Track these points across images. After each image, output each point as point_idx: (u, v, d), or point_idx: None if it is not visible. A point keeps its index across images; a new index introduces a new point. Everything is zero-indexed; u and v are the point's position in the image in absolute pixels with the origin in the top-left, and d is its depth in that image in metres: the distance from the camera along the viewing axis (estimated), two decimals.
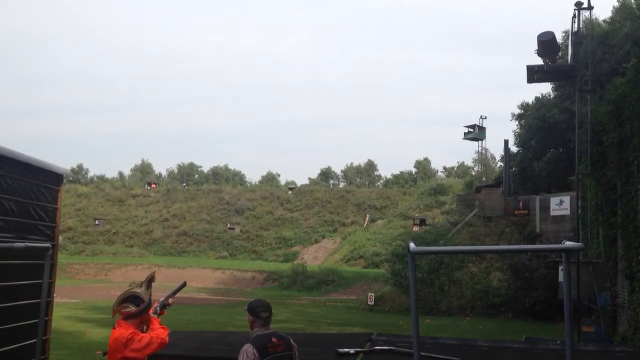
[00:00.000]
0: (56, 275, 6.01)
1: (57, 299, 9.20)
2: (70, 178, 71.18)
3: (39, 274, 4.76)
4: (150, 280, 4.81)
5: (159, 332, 4.67)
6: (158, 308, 4.94)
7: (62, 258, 38.52)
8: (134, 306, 4.61)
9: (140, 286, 4.71)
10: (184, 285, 5.41)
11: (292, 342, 4.68)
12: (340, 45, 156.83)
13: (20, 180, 5.27)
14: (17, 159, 5.19)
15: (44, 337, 5.09)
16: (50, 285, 5.54)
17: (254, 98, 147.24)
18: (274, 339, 4.52)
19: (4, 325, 4.96)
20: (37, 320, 4.73)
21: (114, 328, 4.64)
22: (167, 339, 4.69)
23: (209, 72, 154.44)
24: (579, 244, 3.47)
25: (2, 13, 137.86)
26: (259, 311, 4.60)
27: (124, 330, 4.52)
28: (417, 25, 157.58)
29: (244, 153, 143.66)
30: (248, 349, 4.40)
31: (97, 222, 59.52)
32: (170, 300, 5.08)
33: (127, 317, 4.60)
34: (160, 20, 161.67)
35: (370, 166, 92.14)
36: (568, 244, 3.34)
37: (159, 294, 5.09)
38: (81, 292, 30.57)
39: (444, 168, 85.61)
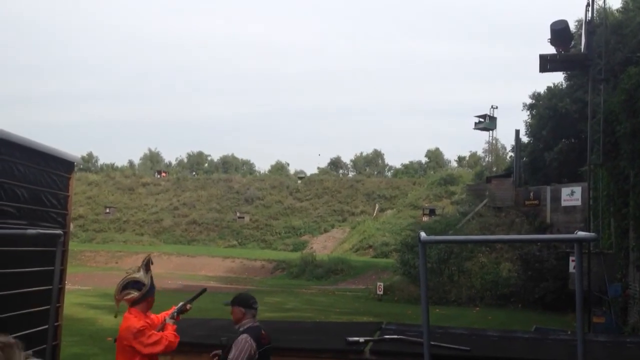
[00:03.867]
0: (67, 263, 6.04)
1: (68, 286, 9.27)
2: (81, 166, 71.57)
3: (51, 261, 4.78)
4: (147, 263, 4.76)
5: (169, 334, 4.65)
6: (175, 313, 4.89)
7: (73, 246, 38.81)
8: (136, 291, 4.60)
9: (138, 271, 4.69)
10: (203, 291, 5.26)
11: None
12: (348, 34, 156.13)
13: (32, 168, 5.28)
14: (28, 146, 5.19)
15: (55, 324, 5.13)
16: (62, 272, 5.57)
17: (263, 87, 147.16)
18: (263, 332, 4.58)
19: (17, 311, 4.99)
20: (48, 307, 4.76)
21: (125, 315, 4.64)
22: (175, 345, 4.65)
23: (217, 61, 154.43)
24: (592, 234, 3.44)
25: (9, 0, 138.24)
26: (252, 302, 4.63)
27: (136, 321, 4.52)
28: (426, 14, 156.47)
29: (253, 142, 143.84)
30: (248, 339, 4.41)
31: (107, 210, 59.84)
32: (188, 307, 4.98)
33: (133, 303, 4.61)
34: (168, 8, 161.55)
35: (377, 155, 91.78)
36: (581, 234, 3.31)
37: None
38: (92, 279, 30.81)
39: (459, 157, 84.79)
